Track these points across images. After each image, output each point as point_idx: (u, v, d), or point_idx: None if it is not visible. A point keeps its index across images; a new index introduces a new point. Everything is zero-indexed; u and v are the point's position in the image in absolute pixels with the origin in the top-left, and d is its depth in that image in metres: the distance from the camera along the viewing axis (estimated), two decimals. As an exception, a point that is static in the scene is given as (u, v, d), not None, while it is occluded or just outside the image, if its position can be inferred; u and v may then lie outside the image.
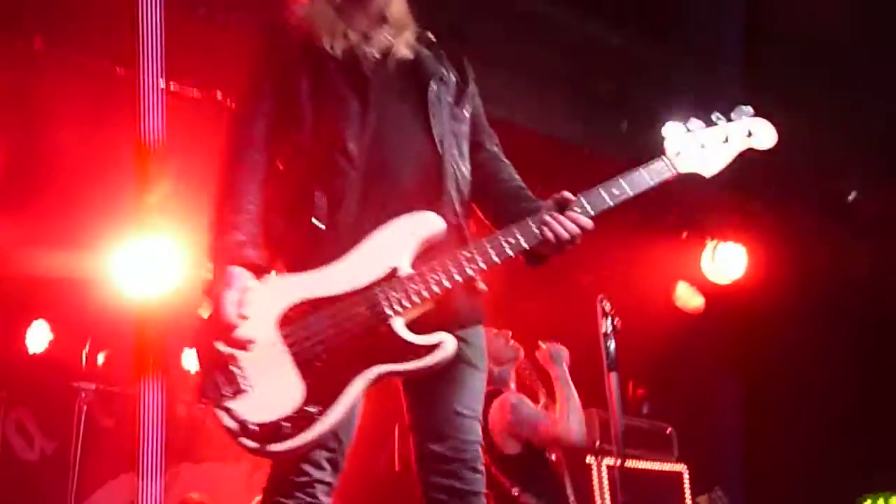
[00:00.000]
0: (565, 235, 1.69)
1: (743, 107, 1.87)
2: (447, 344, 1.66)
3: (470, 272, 1.68)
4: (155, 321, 4.23)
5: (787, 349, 5.76)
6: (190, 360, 5.10)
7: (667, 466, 5.00)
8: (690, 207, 4.98)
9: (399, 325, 1.65)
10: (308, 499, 1.70)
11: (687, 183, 3.81)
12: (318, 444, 1.64)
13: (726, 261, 5.15)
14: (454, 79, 1.92)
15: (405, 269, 1.68)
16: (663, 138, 1.80)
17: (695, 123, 1.86)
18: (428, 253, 1.74)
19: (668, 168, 1.80)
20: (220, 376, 1.60)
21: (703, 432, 5.64)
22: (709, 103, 2.09)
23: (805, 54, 4.61)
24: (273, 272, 1.73)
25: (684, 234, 5.26)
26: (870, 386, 4.96)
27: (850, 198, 4.86)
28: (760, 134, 1.87)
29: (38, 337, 4.38)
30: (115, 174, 3.82)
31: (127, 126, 3.54)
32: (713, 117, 1.88)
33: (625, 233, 4.65)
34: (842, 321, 5.61)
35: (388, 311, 1.65)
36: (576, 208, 1.73)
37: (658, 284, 5.35)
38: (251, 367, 1.62)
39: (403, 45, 1.87)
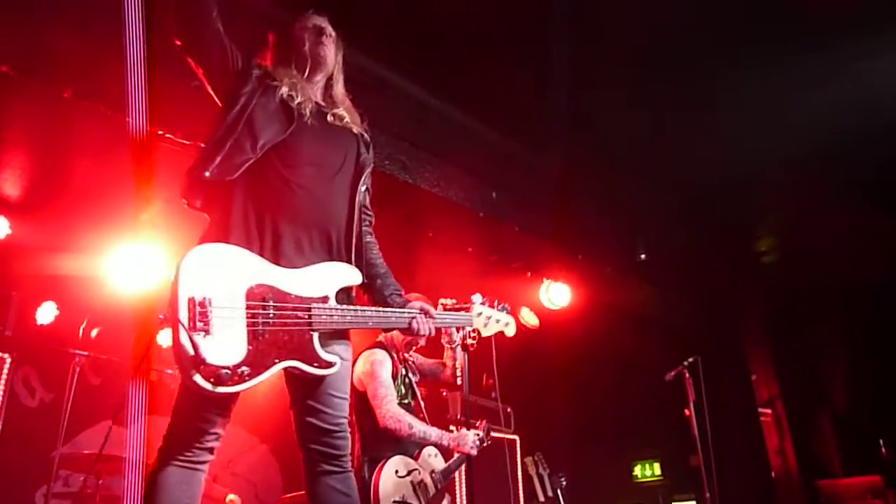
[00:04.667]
0: (424, 332, 2.06)
1: (506, 305, 2.47)
2: (338, 364, 1.87)
3: (371, 325, 2.03)
4: (140, 309, 4.56)
5: (596, 356, 6.61)
6: (163, 338, 5.09)
7: (507, 435, 5.75)
8: (534, 257, 5.67)
9: (316, 339, 1.85)
10: (204, 450, 1.82)
11: (533, 240, 5.31)
12: (233, 400, 1.77)
13: (556, 294, 5.93)
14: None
15: (332, 300, 1.92)
16: (472, 303, 2.38)
17: (486, 301, 2.43)
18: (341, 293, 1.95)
19: (471, 322, 2.35)
20: (198, 314, 1.66)
21: (532, 413, 6.30)
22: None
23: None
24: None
25: (528, 274, 5.94)
26: (653, 384, 5.26)
27: (641, 257, 5.84)
28: (510, 326, 2.51)
29: (46, 313, 4.69)
30: (118, 197, 4.09)
31: (128, 161, 3.72)
32: (496, 305, 2.45)
33: (488, 271, 5.37)
34: (636, 338, 6.46)
35: (316, 326, 1.84)
36: (434, 318, 2.10)
37: (509, 308, 6.41)
38: (218, 317, 1.70)
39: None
